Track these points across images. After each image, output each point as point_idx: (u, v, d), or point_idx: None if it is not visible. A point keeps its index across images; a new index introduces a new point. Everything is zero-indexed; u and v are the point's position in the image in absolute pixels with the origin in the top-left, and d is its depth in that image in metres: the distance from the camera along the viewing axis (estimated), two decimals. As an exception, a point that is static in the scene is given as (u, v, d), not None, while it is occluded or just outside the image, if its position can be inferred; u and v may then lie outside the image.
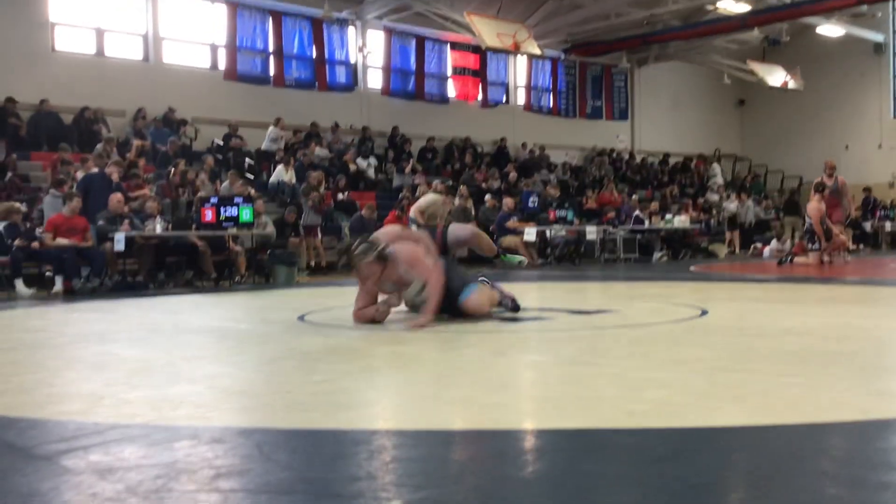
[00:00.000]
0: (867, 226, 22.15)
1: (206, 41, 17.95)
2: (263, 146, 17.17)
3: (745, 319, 5.77)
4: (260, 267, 12.00)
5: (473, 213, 16.75)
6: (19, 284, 9.82)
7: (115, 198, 10.93)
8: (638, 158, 24.90)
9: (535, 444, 2.59)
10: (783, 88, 24.05)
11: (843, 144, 25.77)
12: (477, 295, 5.72)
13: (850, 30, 23.60)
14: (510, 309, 6.05)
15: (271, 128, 17.25)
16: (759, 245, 19.02)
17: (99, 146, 14.22)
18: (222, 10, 17.69)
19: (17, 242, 9.88)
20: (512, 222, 15.83)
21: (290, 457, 2.40)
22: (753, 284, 10.09)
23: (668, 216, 18.56)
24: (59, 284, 9.94)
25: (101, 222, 10.64)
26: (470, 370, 3.92)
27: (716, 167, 25.13)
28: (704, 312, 6.20)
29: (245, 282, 11.63)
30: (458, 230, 6.61)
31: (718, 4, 20.62)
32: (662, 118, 26.13)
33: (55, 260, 10.05)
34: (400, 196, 16.17)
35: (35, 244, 10.03)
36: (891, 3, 22.96)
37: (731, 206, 21.39)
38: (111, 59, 16.56)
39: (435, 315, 5.49)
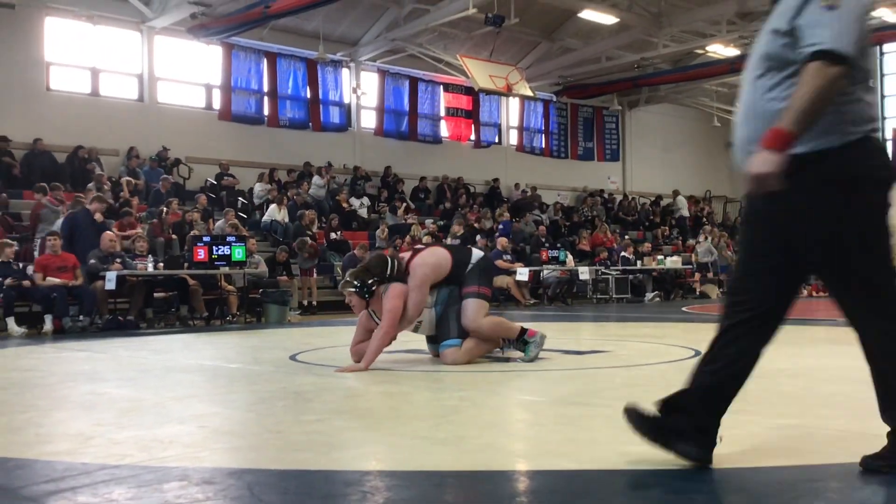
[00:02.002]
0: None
1: (201, 81, 18.08)
2: (255, 199, 17.18)
3: (738, 360, 5.76)
4: (252, 306, 11.96)
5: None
6: (11, 323, 9.76)
7: (108, 237, 10.92)
8: (630, 199, 25.04)
9: (529, 486, 2.57)
10: (772, 131, 24.25)
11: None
12: (452, 352, 5.62)
13: (837, 74, 23.92)
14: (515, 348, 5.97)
15: (258, 185, 17.31)
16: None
17: (91, 185, 14.23)
18: (217, 52, 17.84)
19: (8, 281, 9.84)
20: (504, 262, 15.85)
21: (281, 498, 2.37)
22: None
23: (661, 257, 18.62)
24: (49, 323, 9.88)
25: (92, 261, 10.61)
26: (463, 410, 3.89)
27: (680, 200, 25.05)
28: (698, 353, 6.18)
29: (237, 321, 11.58)
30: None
31: (707, 49, 20.92)
32: (653, 160, 26.34)
33: (45, 299, 9.99)
34: (382, 234, 16.21)
35: (26, 283, 9.99)
36: (878, 48, 23.30)
37: (702, 247, 20.46)
38: (106, 99, 16.64)
39: (370, 363, 5.41)
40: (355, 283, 5.59)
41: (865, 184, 2.47)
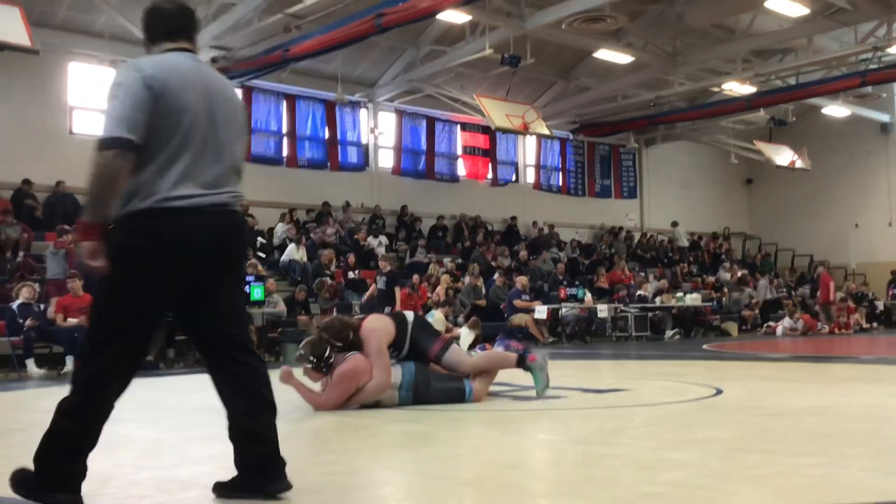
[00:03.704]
0: (880, 304, 22.06)
1: (220, 123, 18.30)
2: (276, 239, 17.28)
3: (760, 398, 5.70)
4: (270, 345, 11.97)
5: (483, 291, 16.78)
6: (31, 364, 9.82)
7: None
8: (648, 237, 24.99)
9: (549, 527, 2.54)
10: (790, 168, 24.26)
11: (852, 223, 25.83)
12: (475, 396, 5.58)
13: (855, 110, 23.89)
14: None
15: (279, 224, 17.42)
16: (771, 324, 18.90)
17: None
18: (238, 95, 18.08)
19: (28, 322, 9.92)
20: (522, 301, 15.81)
21: (300, 539, 2.35)
22: (768, 363, 9.99)
23: (680, 294, 18.52)
24: (70, 364, 9.93)
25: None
26: (482, 449, 3.87)
27: (679, 231, 24.96)
28: (719, 391, 6.12)
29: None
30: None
31: (724, 86, 20.98)
32: (671, 197, 26.30)
33: (66, 340, 10.06)
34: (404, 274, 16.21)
35: (50, 324, 10.07)
36: (895, 85, 23.29)
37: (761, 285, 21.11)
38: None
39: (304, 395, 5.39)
40: (311, 358, 5.42)
41: (132, 255, 2.71)
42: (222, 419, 5.29)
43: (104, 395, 2.85)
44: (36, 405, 6.79)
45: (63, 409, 2.82)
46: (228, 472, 3.43)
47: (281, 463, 2.93)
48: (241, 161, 3.02)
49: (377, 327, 5.46)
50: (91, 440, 2.84)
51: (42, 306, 10.67)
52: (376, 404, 5.40)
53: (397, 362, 5.51)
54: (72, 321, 10.15)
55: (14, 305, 10.07)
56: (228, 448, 4.08)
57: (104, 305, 2.84)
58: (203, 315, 2.89)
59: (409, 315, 5.75)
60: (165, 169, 2.71)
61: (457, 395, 5.50)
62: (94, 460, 3.83)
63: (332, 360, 5.38)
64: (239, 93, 17.96)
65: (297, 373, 5.49)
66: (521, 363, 5.67)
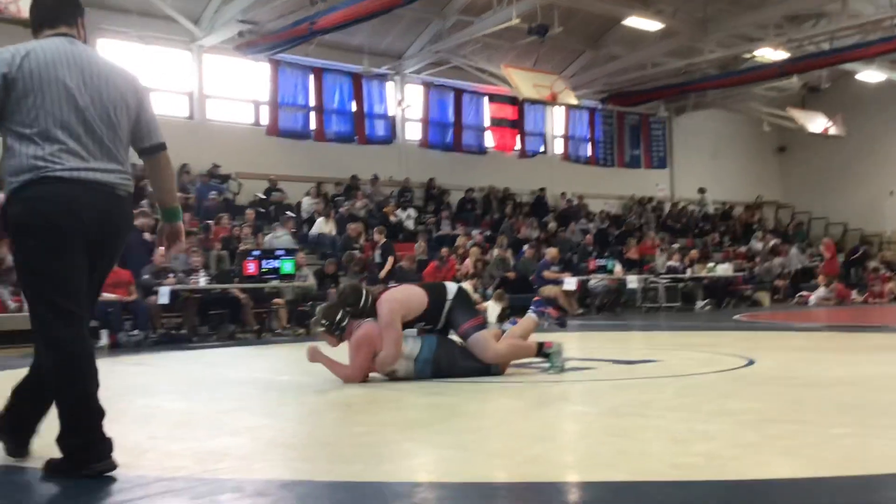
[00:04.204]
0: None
1: (249, 98, 18.35)
2: (303, 213, 17.35)
3: (793, 369, 5.66)
4: (301, 318, 12.07)
5: (512, 263, 16.76)
6: None
7: (160, 252, 11.13)
8: (680, 206, 24.77)
9: (580, 498, 2.55)
10: (824, 135, 23.86)
11: (887, 190, 25.39)
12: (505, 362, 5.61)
13: (891, 75, 23.40)
14: (558, 325, 6.04)
15: (306, 199, 17.49)
16: (804, 293, 18.71)
17: (144, 202, 14.52)
18: (265, 68, 18.09)
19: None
20: (551, 272, 15.76)
21: (332, 510, 2.38)
22: (800, 333, 9.90)
23: (711, 264, 18.37)
24: (104, 338, 10.09)
25: (145, 276, 10.82)
26: (512, 421, 3.88)
27: (706, 197, 24.82)
28: (751, 362, 6.08)
29: (286, 333, 11.70)
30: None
31: (756, 53, 20.62)
32: (702, 166, 26.00)
33: (101, 314, 10.21)
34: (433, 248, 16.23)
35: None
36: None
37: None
38: (158, 117, 16.94)
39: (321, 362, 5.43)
40: (323, 321, 5.45)
41: (21, 228, 2.90)
42: (255, 391, 5.37)
43: (77, 358, 2.93)
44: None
45: (53, 387, 2.93)
46: (263, 444, 3.48)
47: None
48: (124, 139, 3.17)
49: (395, 298, 5.43)
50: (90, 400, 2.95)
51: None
52: (394, 376, 5.40)
53: (420, 335, 5.50)
54: (107, 296, 10.29)
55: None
56: (262, 421, 4.15)
57: (26, 280, 2.99)
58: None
59: (452, 287, 5.66)
60: (41, 144, 2.91)
61: (483, 374, 5.48)
62: (130, 432, 3.91)
63: (344, 324, 5.40)
64: (266, 67, 17.98)
65: (324, 348, 5.52)
66: (540, 351, 5.64)
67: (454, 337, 5.60)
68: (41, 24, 3.14)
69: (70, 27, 3.15)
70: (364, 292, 5.54)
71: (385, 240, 14.07)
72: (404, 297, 5.47)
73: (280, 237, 14.32)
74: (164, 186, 3.29)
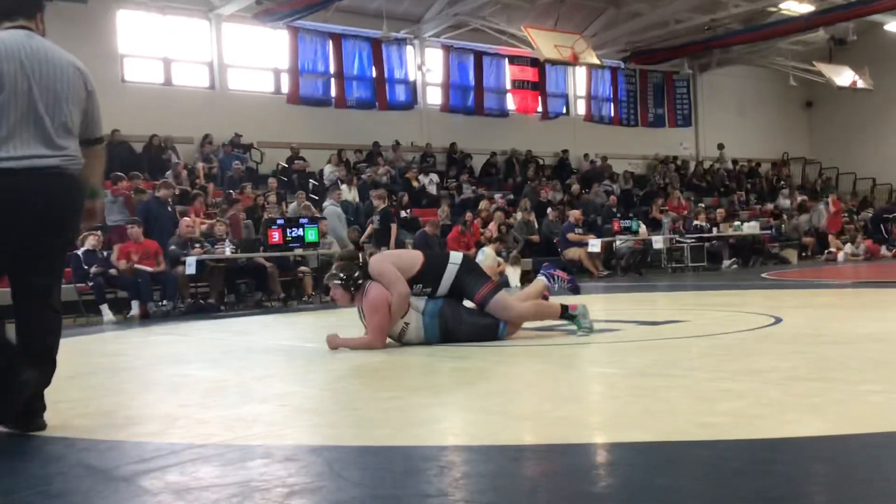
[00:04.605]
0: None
1: (269, 66, 18.32)
2: (325, 181, 17.36)
3: (820, 327, 5.62)
4: (326, 286, 12.13)
5: (536, 226, 16.71)
6: (105, 310, 10.12)
7: (185, 223, 11.23)
8: (705, 165, 24.51)
9: (607, 459, 2.56)
10: (852, 89, 23.42)
11: (917, 144, 24.98)
12: (509, 331, 5.58)
13: (920, 25, 22.90)
14: (569, 290, 6.01)
15: (327, 166, 17.48)
16: (832, 250, 18.51)
17: (168, 173, 14.62)
18: (284, 36, 18.03)
19: (93, 270, 10.19)
20: (575, 234, 15.71)
21: (361, 474, 2.42)
22: (828, 290, 9.81)
23: (737, 223, 18.20)
24: (135, 309, 10.22)
25: (172, 247, 10.92)
26: (538, 384, 3.90)
27: (724, 153, 24.52)
28: (778, 320, 6.05)
29: (312, 301, 11.78)
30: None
31: (781, 6, 20.21)
32: (727, 123, 25.67)
33: (131, 285, 10.33)
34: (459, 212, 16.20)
35: (113, 271, 10.34)
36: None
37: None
38: (178, 88, 17.02)
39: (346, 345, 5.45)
40: (341, 275, 5.46)
41: None
42: (283, 359, 5.43)
43: None
44: (103, 349, 7.03)
45: None
46: (291, 410, 3.52)
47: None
48: (73, 130, 3.31)
49: (384, 255, 5.65)
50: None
51: (105, 253, 10.95)
52: (405, 338, 5.43)
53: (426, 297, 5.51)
54: (137, 267, 10.40)
55: (80, 252, 10.36)
56: (290, 387, 4.19)
57: None
58: (20, 267, 3.21)
59: (457, 256, 5.67)
60: None
61: (490, 332, 5.48)
62: (161, 401, 3.97)
63: (360, 282, 5.42)
64: (284, 34, 17.92)
65: (341, 333, 5.56)
66: (564, 313, 5.58)
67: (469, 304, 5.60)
68: (0, 17, 3.30)
69: (28, 20, 3.31)
70: (360, 257, 5.68)
71: (384, 205, 13.85)
72: (394, 254, 5.70)
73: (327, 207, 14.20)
74: (95, 172, 3.48)
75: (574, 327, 5.60)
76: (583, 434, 2.87)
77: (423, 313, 5.44)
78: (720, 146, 24.57)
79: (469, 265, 5.63)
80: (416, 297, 5.47)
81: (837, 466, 2.29)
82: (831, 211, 19.53)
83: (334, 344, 5.50)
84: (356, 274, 5.44)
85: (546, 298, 5.87)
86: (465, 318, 5.48)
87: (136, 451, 2.85)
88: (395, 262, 5.47)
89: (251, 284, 11.66)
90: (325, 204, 14.42)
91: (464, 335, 5.44)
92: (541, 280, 5.95)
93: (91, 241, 10.57)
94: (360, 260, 5.66)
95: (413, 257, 5.58)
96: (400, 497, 2.14)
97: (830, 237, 18.65)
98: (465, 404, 3.55)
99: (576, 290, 6.16)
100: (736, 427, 2.75)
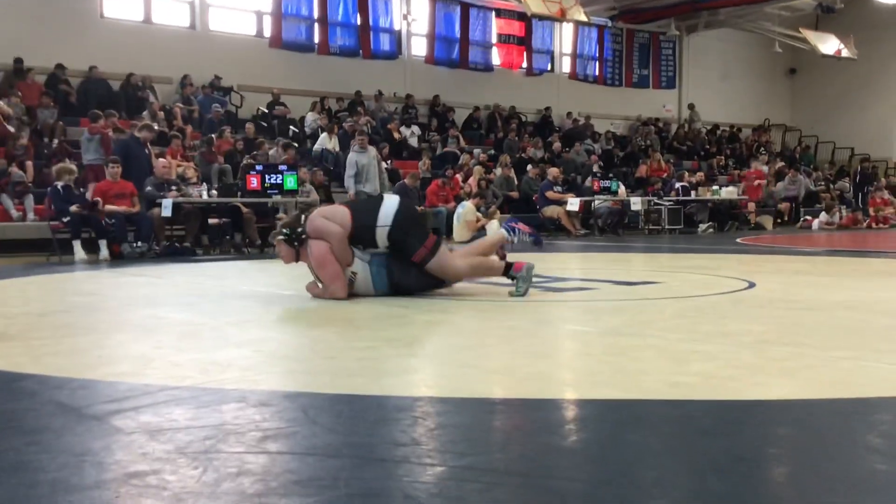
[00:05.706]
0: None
1: (251, 8, 18.00)
2: (307, 129, 17.15)
3: (793, 292, 5.68)
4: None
5: (516, 182, 16.69)
6: (77, 247, 9.99)
7: (162, 164, 11.09)
8: (687, 127, 24.52)
9: (578, 414, 2.59)
10: (836, 57, 23.44)
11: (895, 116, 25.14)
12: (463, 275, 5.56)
13: (908, -4, 22.89)
14: (534, 243, 5.95)
15: (309, 114, 17.27)
16: (808, 217, 18.69)
17: (144, 113, 14.39)
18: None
19: (73, 208, 10.01)
20: (554, 192, 15.72)
21: (334, 421, 2.43)
22: (802, 257, 9.91)
23: (716, 187, 18.28)
24: (104, 250, 10.09)
25: (148, 188, 10.80)
26: (512, 339, 3.92)
27: (695, 113, 24.58)
28: (752, 285, 6.11)
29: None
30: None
31: (771, -30, 20.11)
32: (711, 87, 25.66)
33: (103, 225, 10.20)
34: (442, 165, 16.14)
35: (90, 210, 10.18)
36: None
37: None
38: (158, 26, 16.69)
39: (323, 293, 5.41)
40: (285, 230, 5.44)
41: None
42: (259, 305, 5.41)
43: None
44: (76, 288, 6.97)
45: None
46: (266, 356, 3.52)
47: None
48: None
49: (316, 216, 5.43)
50: None
51: (81, 190, 10.80)
52: (352, 288, 5.41)
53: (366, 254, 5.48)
54: (110, 208, 10.28)
55: (59, 186, 10.18)
56: (267, 333, 4.19)
57: None
58: None
59: (387, 214, 5.34)
60: None
61: (438, 282, 5.51)
62: (135, 342, 3.96)
63: (304, 237, 5.38)
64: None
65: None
66: (507, 272, 5.47)
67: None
68: None
69: None
70: (301, 215, 5.63)
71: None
72: (328, 210, 5.55)
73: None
74: None
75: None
76: (556, 390, 2.89)
77: (370, 263, 5.41)
78: (690, 106, 24.67)
79: (400, 223, 5.33)
80: (359, 251, 5.44)
81: (804, 429, 2.33)
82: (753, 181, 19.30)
83: (315, 293, 5.50)
84: (300, 230, 5.42)
85: (503, 255, 5.72)
86: (412, 270, 5.43)
87: (109, 390, 2.84)
88: (326, 213, 5.46)
89: (226, 226, 11.57)
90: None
91: (413, 285, 5.45)
92: (500, 232, 5.83)
93: (68, 178, 10.36)
94: (304, 218, 5.60)
95: (343, 215, 5.39)
96: (374, 444, 2.16)
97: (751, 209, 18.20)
98: (440, 357, 3.57)
99: (538, 243, 6.07)
100: (707, 387, 2.79)
